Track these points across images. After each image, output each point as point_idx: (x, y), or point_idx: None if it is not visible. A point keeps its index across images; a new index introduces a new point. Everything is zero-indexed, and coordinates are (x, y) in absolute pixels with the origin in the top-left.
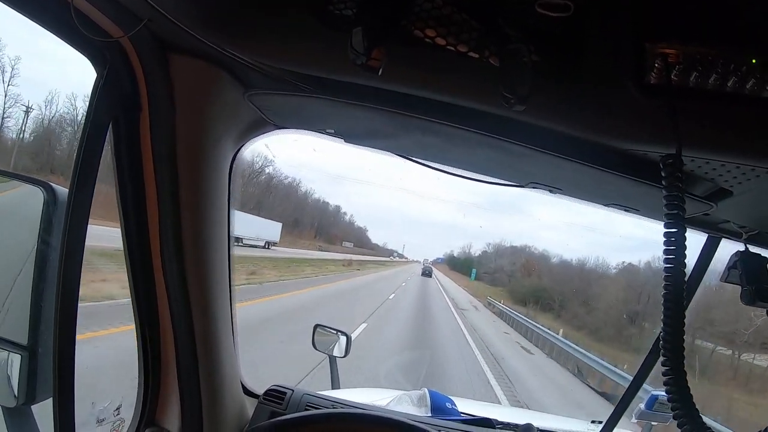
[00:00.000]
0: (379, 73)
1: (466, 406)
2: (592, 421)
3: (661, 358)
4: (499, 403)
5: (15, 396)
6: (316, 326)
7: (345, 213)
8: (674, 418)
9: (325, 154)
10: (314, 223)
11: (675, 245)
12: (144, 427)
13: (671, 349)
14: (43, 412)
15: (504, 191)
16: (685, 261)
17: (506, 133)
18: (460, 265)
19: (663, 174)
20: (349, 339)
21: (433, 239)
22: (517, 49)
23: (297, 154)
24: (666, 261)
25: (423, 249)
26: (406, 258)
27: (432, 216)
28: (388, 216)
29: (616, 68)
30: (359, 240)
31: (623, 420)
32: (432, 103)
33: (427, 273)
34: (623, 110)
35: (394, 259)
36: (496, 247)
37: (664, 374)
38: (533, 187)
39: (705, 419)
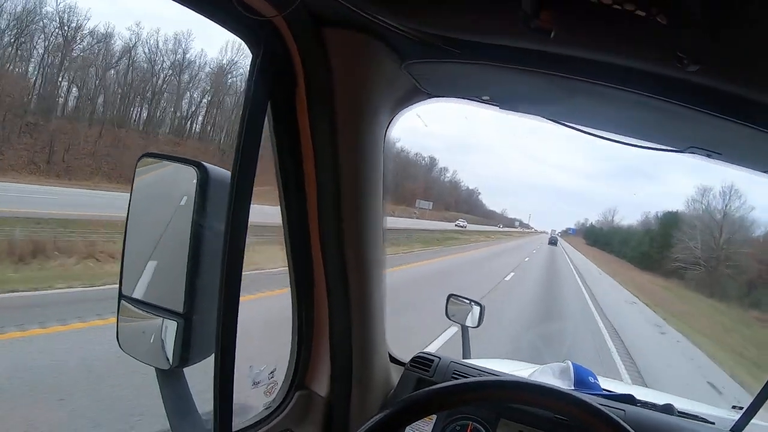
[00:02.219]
0: (551, 35)
1: (605, 383)
2: (733, 407)
3: None
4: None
5: (167, 359)
6: (450, 296)
7: (443, 170)
8: None
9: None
10: None
11: None
12: (294, 390)
13: None
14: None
15: (635, 157)
16: None
17: (669, 93)
18: (603, 239)
19: None
20: (482, 309)
21: (562, 208)
22: (686, 5)
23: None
24: None
25: (551, 218)
26: (533, 228)
27: (559, 183)
28: (510, 184)
29: None
30: (467, 204)
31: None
32: (596, 65)
33: (552, 242)
34: None
35: (463, 228)
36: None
37: None
38: (692, 153)
39: None
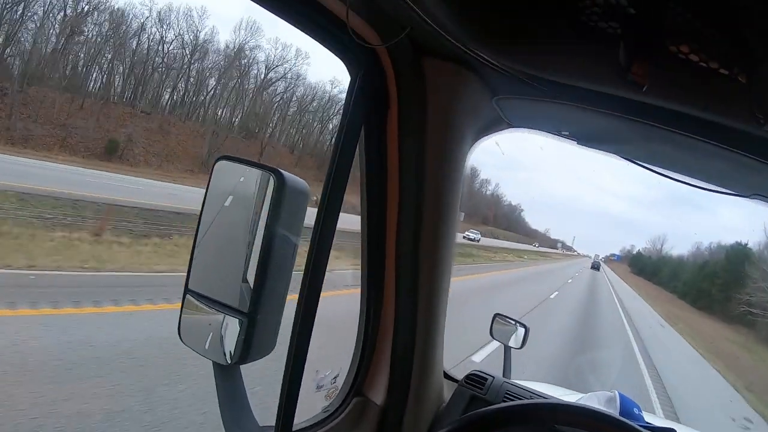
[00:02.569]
0: (644, 89)
1: (648, 418)
2: None
3: None
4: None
5: (224, 355)
6: (496, 315)
7: (485, 182)
8: None
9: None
10: None
11: None
12: (352, 396)
13: None
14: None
15: (682, 186)
16: None
17: (742, 145)
18: (650, 268)
19: None
20: (527, 331)
21: (608, 233)
22: (765, 68)
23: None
24: None
25: (595, 242)
26: (576, 251)
27: (606, 208)
28: (556, 204)
29: None
30: (508, 220)
31: None
32: (675, 114)
33: (595, 267)
34: None
35: (475, 242)
36: None
37: None
38: (755, 199)
39: None
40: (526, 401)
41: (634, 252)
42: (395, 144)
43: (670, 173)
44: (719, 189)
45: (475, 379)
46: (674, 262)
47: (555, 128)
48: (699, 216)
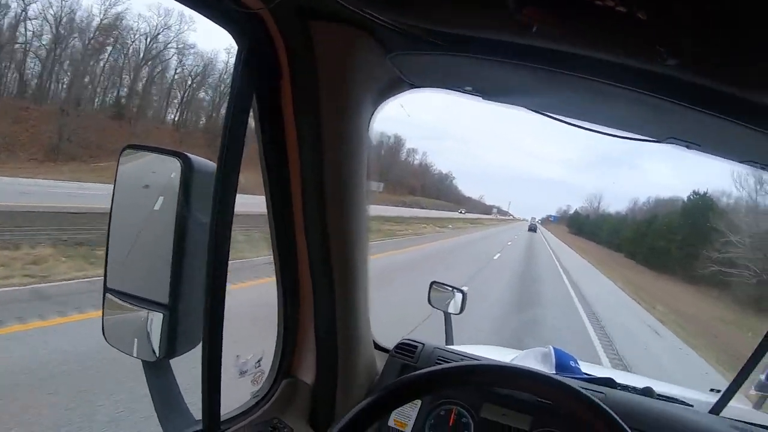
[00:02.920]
0: (534, 30)
1: (586, 368)
2: (711, 390)
3: None
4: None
5: (153, 351)
6: (433, 283)
7: (412, 151)
8: None
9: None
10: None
11: None
12: (281, 379)
13: None
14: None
15: (614, 148)
16: None
17: (649, 86)
18: (589, 228)
19: None
20: (464, 296)
21: (543, 196)
22: (665, 1)
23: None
24: None
25: (532, 206)
26: (511, 216)
27: (540, 173)
28: (490, 171)
29: None
30: (438, 189)
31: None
32: (578, 58)
33: (532, 229)
34: None
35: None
36: None
37: None
38: (670, 143)
39: None
40: (447, 365)
41: (571, 212)
42: (291, 116)
43: (583, 123)
44: (634, 136)
45: (406, 348)
46: (614, 220)
47: (457, 85)
48: (631, 172)
